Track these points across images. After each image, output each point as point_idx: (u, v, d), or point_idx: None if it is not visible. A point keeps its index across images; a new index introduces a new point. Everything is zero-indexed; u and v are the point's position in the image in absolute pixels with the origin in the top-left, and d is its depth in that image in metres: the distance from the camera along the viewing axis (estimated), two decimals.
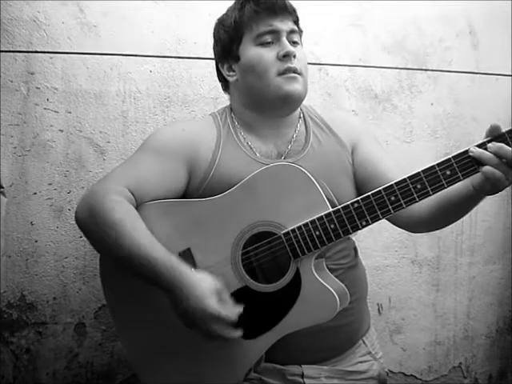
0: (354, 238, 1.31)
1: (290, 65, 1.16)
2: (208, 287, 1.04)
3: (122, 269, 1.13)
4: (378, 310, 1.84)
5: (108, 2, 1.55)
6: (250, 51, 1.19)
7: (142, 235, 1.08)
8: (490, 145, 0.95)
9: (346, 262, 1.21)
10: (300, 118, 1.28)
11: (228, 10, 1.25)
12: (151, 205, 1.15)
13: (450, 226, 1.83)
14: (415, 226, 1.22)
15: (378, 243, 1.81)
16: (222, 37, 1.24)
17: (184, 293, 1.03)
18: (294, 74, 1.17)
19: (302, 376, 1.16)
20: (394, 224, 1.26)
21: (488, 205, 1.92)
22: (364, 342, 1.26)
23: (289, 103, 1.20)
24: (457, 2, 1.84)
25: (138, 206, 1.14)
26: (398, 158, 1.75)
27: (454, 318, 1.93)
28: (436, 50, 1.84)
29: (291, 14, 1.21)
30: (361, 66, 1.77)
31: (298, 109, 1.28)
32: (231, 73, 1.24)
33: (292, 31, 1.20)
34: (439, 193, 1.07)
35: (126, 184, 1.13)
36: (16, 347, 1.55)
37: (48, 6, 1.51)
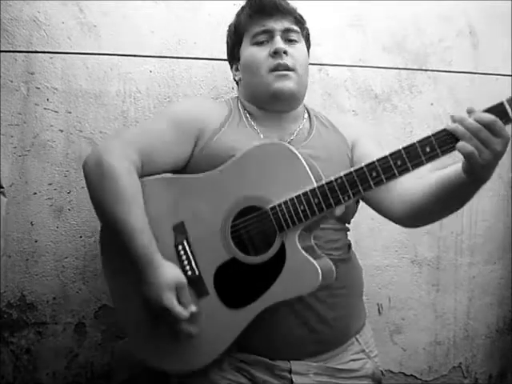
0: (349, 238, 1.32)
1: (279, 61, 1.21)
2: (170, 280, 1.10)
3: (105, 224, 1.22)
4: (378, 309, 1.84)
5: (108, 2, 1.55)
6: (246, 51, 1.28)
7: (136, 215, 1.13)
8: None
9: (338, 254, 1.22)
10: (304, 116, 1.33)
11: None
12: (152, 180, 1.21)
13: (450, 225, 1.84)
14: (410, 216, 1.21)
15: (377, 243, 1.81)
16: (228, 40, 1.37)
17: (149, 280, 1.11)
18: (284, 72, 1.22)
19: (290, 372, 1.17)
20: (389, 218, 1.26)
21: (488, 205, 1.92)
22: (357, 340, 1.26)
23: (280, 100, 1.25)
24: (457, 2, 1.84)
25: (142, 179, 1.18)
26: None
27: (453, 318, 1.93)
28: (436, 49, 1.84)
29: (286, 13, 1.26)
30: (361, 66, 1.77)
31: (303, 107, 1.34)
32: (237, 73, 1.34)
33: (288, 30, 1.26)
34: (433, 180, 1.10)
35: (137, 148, 1.18)
36: (16, 347, 1.55)
37: (48, 5, 1.52)
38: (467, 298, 1.94)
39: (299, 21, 1.29)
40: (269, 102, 1.26)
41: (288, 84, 1.22)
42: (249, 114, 1.30)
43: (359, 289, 1.31)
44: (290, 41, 1.26)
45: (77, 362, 1.59)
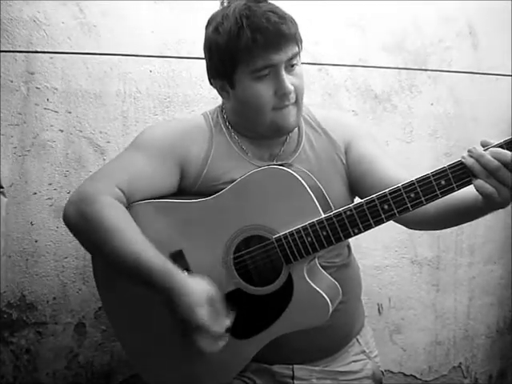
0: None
1: (286, 102, 1.12)
2: (201, 296, 1.03)
3: (114, 272, 1.12)
4: (378, 309, 1.84)
5: (108, 2, 1.55)
6: (246, 84, 1.11)
7: (136, 240, 1.06)
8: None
9: (339, 261, 1.21)
10: None
11: (221, 24, 1.10)
12: (143, 204, 1.13)
13: None
14: (416, 224, 1.20)
15: (378, 243, 1.81)
16: (213, 54, 1.13)
17: (177, 300, 1.03)
18: (287, 108, 1.13)
19: (293, 378, 1.17)
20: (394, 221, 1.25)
21: None
22: (358, 341, 1.25)
23: (281, 134, 1.19)
24: (457, 2, 1.84)
25: (129, 205, 1.12)
26: (397, 158, 1.75)
27: (454, 318, 1.93)
28: (436, 50, 1.84)
29: (290, 39, 1.09)
30: (361, 66, 1.77)
31: None
32: (224, 93, 1.17)
33: (291, 57, 1.11)
34: (448, 197, 1.04)
35: (116, 183, 1.11)
36: (16, 347, 1.55)
37: (48, 5, 1.51)
38: (467, 297, 1.94)
39: (299, 38, 1.13)
40: (265, 133, 1.18)
41: (291, 118, 1.14)
42: (232, 127, 1.21)
43: (359, 291, 1.30)
44: (291, 66, 1.11)
45: (77, 362, 1.59)
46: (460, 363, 1.96)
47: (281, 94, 1.11)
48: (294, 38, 1.10)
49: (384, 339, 1.84)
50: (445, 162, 2.01)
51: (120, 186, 1.11)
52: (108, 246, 1.06)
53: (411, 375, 1.90)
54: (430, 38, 1.83)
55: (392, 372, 1.87)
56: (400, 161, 1.73)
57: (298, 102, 1.15)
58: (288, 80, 1.10)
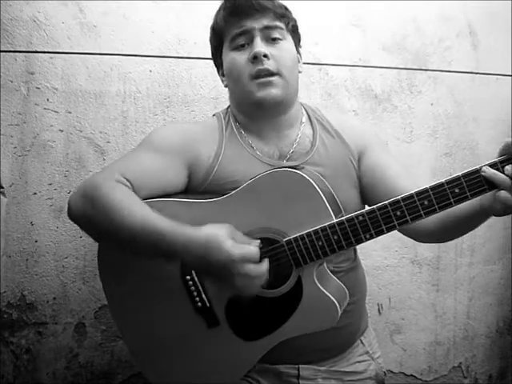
0: None
1: (260, 67, 1.13)
2: (221, 234, 0.99)
3: (126, 252, 1.10)
4: (378, 310, 1.84)
5: (108, 1, 1.55)
6: (227, 56, 1.19)
7: (144, 211, 1.04)
8: (507, 167, 0.93)
9: (347, 265, 1.21)
10: (302, 120, 1.25)
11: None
12: (153, 203, 1.12)
13: None
14: (420, 237, 1.21)
15: (378, 243, 1.81)
16: (210, 44, 1.26)
17: (201, 251, 0.99)
18: (266, 78, 1.13)
19: (298, 377, 1.16)
20: (398, 231, 1.25)
21: None
22: (362, 342, 1.26)
23: (265, 108, 1.17)
24: (457, 2, 1.84)
25: (145, 200, 1.11)
26: (397, 158, 1.75)
27: (453, 318, 1.93)
28: (436, 49, 1.84)
29: (264, 10, 1.14)
30: (361, 66, 1.77)
31: (300, 109, 1.26)
32: (223, 78, 1.25)
33: (268, 28, 1.15)
34: (456, 212, 1.05)
35: (122, 173, 1.10)
36: (16, 347, 1.56)
37: (48, 5, 1.52)
38: (467, 297, 1.94)
39: (282, 15, 1.17)
40: (254, 111, 1.18)
41: (272, 91, 1.13)
42: (241, 126, 1.22)
43: (364, 292, 1.31)
44: (272, 39, 1.15)
45: (77, 362, 1.59)
46: (460, 363, 1.95)
47: (251, 56, 1.13)
48: (270, 10, 1.16)
49: (384, 339, 1.84)
50: (445, 162, 2.02)
51: (125, 175, 1.10)
52: (118, 224, 1.02)
53: (411, 375, 1.90)
54: (430, 38, 1.83)
55: (392, 372, 1.87)
56: (400, 161, 1.73)
57: (282, 75, 1.15)
58: (265, 49, 1.14)
